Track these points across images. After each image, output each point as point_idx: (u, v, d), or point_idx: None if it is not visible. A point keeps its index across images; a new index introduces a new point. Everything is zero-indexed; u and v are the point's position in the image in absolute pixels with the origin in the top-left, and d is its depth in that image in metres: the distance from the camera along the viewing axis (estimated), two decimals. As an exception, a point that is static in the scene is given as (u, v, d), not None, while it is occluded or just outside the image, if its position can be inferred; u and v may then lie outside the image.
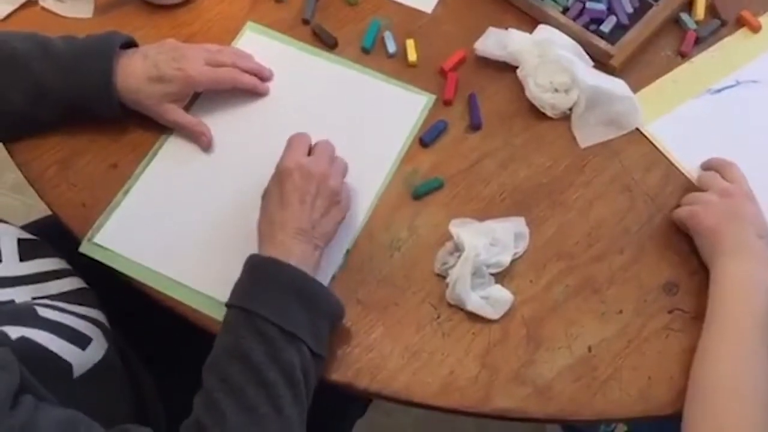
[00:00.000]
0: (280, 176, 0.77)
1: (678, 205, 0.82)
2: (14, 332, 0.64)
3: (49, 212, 0.86)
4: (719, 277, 0.74)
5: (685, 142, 0.87)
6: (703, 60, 0.93)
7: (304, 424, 0.69)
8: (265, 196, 0.78)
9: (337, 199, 0.79)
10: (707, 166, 0.84)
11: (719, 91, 0.90)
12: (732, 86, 0.91)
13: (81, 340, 0.70)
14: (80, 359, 0.69)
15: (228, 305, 0.72)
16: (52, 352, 0.65)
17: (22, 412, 0.54)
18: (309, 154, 0.80)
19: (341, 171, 0.81)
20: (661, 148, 0.87)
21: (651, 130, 0.88)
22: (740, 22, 0.95)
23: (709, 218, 0.76)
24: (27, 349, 0.63)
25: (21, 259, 0.76)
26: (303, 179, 0.76)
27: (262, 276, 0.72)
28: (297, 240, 0.74)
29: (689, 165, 0.86)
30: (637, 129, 0.88)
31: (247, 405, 0.66)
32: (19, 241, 0.77)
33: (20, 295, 0.72)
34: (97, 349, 0.72)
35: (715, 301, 0.74)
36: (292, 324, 0.69)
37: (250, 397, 0.66)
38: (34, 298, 0.73)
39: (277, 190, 0.77)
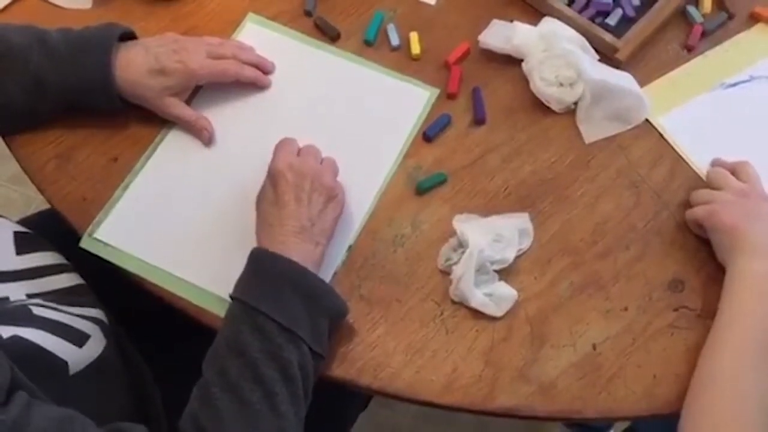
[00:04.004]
0: (272, 178, 0.77)
1: (688, 203, 0.81)
2: (6, 331, 0.63)
3: (48, 205, 0.85)
4: (737, 275, 0.73)
5: (695, 136, 0.86)
6: (716, 54, 0.92)
7: (301, 423, 0.69)
8: (260, 200, 0.78)
9: (333, 194, 0.78)
10: (719, 164, 0.83)
11: (732, 85, 0.89)
12: (745, 81, 0.90)
13: (78, 338, 0.69)
14: (77, 356, 0.68)
15: (231, 297, 0.72)
16: (45, 350, 0.65)
17: (14, 408, 0.54)
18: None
19: (332, 168, 0.81)
20: (670, 141, 0.86)
21: (662, 122, 0.87)
22: (754, 18, 0.94)
23: (728, 217, 0.76)
24: (19, 347, 0.63)
25: (18, 253, 0.75)
26: (296, 177, 0.76)
27: (262, 270, 0.72)
28: (297, 238, 0.73)
29: (698, 159, 0.85)
30: (647, 120, 0.87)
31: (243, 400, 0.66)
32: (16, 234, 0.76)
33: (15, 291, 0.72)
34: (95, 345, 0.71)
35: (729, 298, 0.73)
36: (291, 321, 0.69)
37: (245, 393, 0.66)
38: (29, 296, 0.72)
39: (271, 192, 0.77)
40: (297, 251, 0.72)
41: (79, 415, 0.58)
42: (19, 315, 0.67)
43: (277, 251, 0.72)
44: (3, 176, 1.76)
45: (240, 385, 0.67)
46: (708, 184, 0.82)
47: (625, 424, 1.29)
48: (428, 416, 1.50)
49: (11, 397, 0.54)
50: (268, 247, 0.73)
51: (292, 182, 0.76)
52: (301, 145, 0.81)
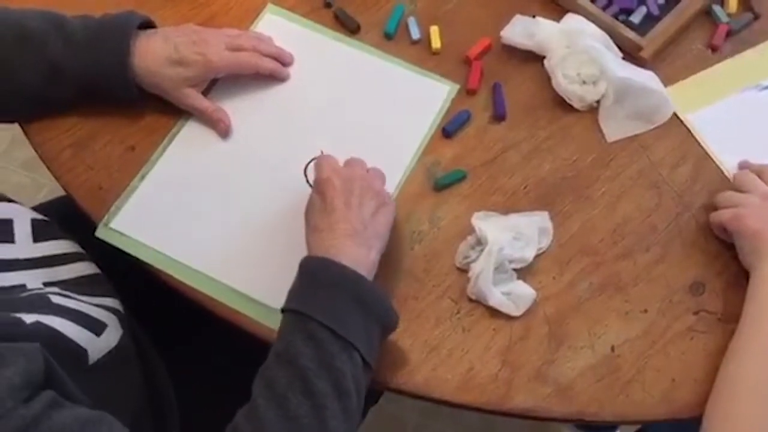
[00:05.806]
0: (318, 187, 0.74)
1: (712, 205, 0.80)
2: (28, 318, 0.62)
3: (59, 192, 0.85)
4: (761, 281, 0.72)
5: (724, 135, 0.85)
6: (751, 55, 0.90)
7: None
8: (308, 212, 0.75)
9: (383, 200, 0.75)
10: (746, 167, 0.82)
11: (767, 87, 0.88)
12: None
13: (96, 326, 0.69)
14: (95, 345, 0.68)
15: (282, 310, 0.69)
16: (67, 337, 0.64)
17: (37, 405, 0.52)
18: None
19: (380, 176, 0.78)
20: (698, 140, 0.85)
21: (691, 119, 0.86)
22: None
23: (754, 221, 0.74)
24: (42, 334, 0.62)
25: (35, 240, 0.74)
26: (343, 182, 0.73)
27: (313, 276, 0.69)
28: (350, 241, 0.70)
29: (726, 160, 0.84)
30: (675, 117, 0.86)
31: (289, 414, 0.62)
32: (33, 221, 0.76)
33: (32, 279, 0.71)
34: (112, 335, 0.71)
35: (753, 303, 0.72)
36: (345, 328, 0.65)
37: (292, 406, 0.62)
38: (46, 284, 0.72)
39: (318, 201, 0.73)
40: (349, 255, 0.69)
41: (107, 418, 0.57)
42: (39, 303, 0.66)
43: (328, 256, 0.69)
44: (15, 162, 1.76)
45: (287, 396, 0.62)
46: (734, 186, 0.81)
47: (634, 426, 1.28)
48: (435, 412, 1.50)
49: (39, 393, 0.53)
50: (319, 253, 0.70)
51: (339, 187, 0.72)
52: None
